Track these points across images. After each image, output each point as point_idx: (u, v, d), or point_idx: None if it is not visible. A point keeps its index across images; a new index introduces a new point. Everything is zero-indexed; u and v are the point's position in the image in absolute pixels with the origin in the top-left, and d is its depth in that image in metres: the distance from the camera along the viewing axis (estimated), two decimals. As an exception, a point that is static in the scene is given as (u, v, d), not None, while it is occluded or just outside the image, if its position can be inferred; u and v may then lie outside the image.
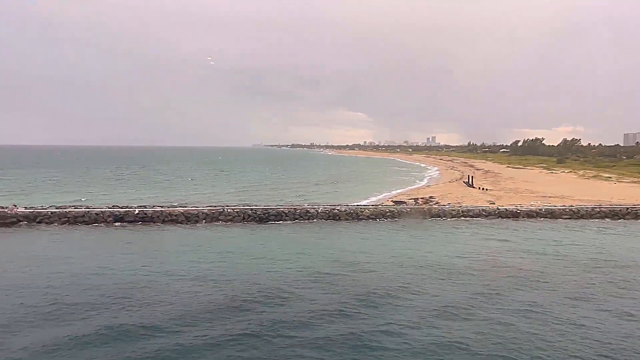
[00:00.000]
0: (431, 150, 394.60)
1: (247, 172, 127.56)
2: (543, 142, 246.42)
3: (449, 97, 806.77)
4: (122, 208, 46.92)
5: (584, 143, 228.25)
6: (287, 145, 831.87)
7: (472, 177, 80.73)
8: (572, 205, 52.40)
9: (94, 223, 43.91)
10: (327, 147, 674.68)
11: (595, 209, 50.57)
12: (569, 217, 49.22)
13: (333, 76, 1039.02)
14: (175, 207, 48.61)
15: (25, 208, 46.32)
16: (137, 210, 46.02)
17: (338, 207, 49.75)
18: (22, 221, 43.41)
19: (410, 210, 49.71)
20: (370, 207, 51.19)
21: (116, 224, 43.98)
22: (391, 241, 37.12)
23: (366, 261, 29.90)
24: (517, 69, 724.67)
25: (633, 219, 48.90)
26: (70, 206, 48.64)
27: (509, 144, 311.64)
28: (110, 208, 47.07)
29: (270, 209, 48.56)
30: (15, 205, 47.46)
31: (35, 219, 43.70)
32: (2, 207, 45.57)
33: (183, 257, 30.84)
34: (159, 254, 31.94)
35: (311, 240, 37.56)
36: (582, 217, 49.33)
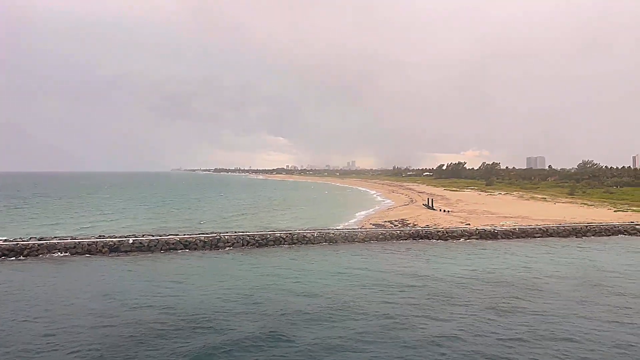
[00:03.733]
0: (358, 174, 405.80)
1: (212, 199, 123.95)
2: (464, 165, 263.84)
3: (367, 122, 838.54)
4: (115, 238, 44.76)
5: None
6: (209, 170, 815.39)
7: (432, 200, 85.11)
8: (539, 225, 57.18)
9: (87, 254, 41.54)
10: (253, 171, 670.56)
11: (561, 228, 55.60)
12: (541, 235, 53.77)
13: (255, 100, 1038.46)
14: (174, 235, 47.12)
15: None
16: (131, 240, 44.11)
17: (333, 232, 50.81)
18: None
19: (400, 233, 51.85)
20: (362, 230, 52.70)
21: (111, 254, 41.95)
22: (412, 261, 38.76)
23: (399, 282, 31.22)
24: (432, 97, 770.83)
25: (593, 235, 54.34)
26: (54, 238, 45.45)
27: (428, 168, 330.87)
28: (101, 238, 44.69)
29: (268, 234, 48.58)
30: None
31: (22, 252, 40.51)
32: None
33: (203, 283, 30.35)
34: (186, 279, 31.12)
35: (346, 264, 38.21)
36: (550, 235, 54.03)
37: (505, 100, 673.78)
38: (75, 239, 44.27)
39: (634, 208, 75.73)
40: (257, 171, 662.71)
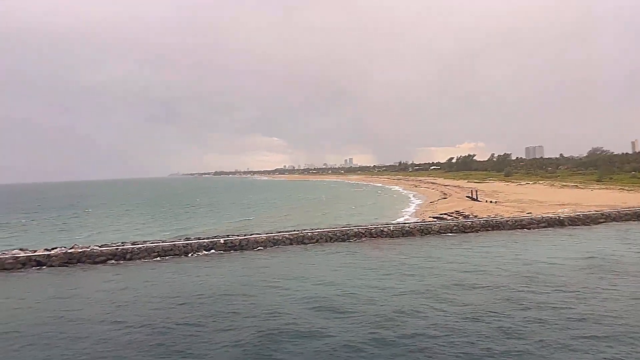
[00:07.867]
0: (363, 170, 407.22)
1: (252, 201, 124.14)
2: (474, 157, 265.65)
3: (358, 119, 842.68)
4: (207, 239, 46.00)
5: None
6: (209, 173, 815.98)
7: (476, 191, 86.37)
8: (600, 211, 58.32)
9: (184, 255, 42.60)
10: (254, 172, 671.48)
11: (622, 212, 56.92)
12: (604, 220, 55.03)
13: (246, 102, 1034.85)
14: (260, 234, 48.26)
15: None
16: (222, 240, 45.21)
17: (409, 225, 52.03)
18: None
19: (472, 223, 53.01)
20: (436, 223, 53.87)
21: (206, 252, 43.18)
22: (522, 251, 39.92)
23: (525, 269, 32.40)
24: (427, 91, 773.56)
25: (657, 218, 55.70)
26: (145, 242, 46.38)
27: (433, 162, 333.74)
28: (188, 241, 45.74)
29: (348, 230, 49.79)
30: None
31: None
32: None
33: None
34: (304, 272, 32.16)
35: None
36: (614, 219, 55.30)
37: (493, 91, 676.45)
38: (166, 242, 45.31)
39: (675, 191, 77.25)
40: (258, 172, 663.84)
